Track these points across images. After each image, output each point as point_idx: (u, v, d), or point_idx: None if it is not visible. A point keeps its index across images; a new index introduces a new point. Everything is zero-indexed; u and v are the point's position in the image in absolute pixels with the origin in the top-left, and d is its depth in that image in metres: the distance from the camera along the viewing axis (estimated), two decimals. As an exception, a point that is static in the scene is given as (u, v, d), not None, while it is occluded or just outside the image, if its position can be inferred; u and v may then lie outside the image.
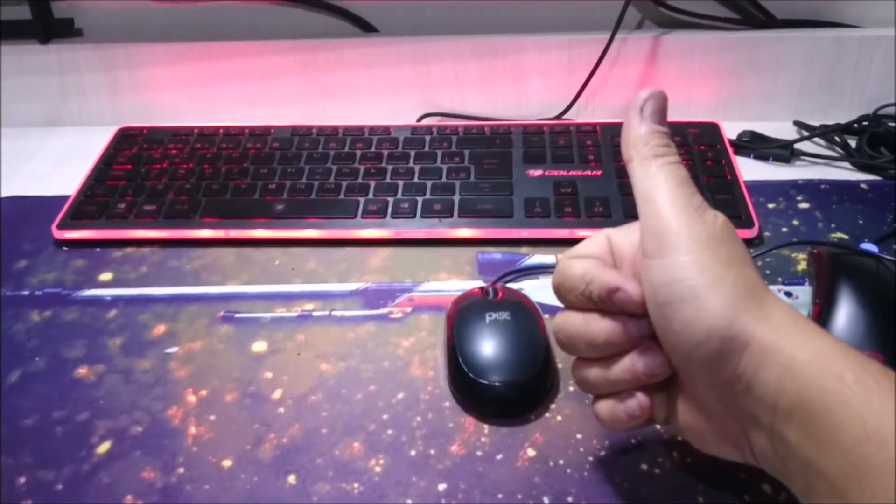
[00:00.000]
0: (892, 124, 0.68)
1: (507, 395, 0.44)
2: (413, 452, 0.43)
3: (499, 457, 0.43)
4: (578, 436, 0.44)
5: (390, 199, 0.59)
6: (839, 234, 0.58)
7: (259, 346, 0.50)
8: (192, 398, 0.47)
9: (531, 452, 0.43)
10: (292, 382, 0.48)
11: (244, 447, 0.44)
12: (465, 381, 0.45)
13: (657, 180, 0.34)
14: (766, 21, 0.70)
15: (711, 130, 0.65)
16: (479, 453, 0.43)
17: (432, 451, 0.43)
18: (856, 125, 0.69)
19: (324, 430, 0.45)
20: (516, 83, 0.72)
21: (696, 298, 0.31)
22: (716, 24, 0.71)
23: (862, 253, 0.50)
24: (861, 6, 0.70)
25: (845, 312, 0.47)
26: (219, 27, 0.73)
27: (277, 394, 0.47)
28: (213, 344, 0.51)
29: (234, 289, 0.55)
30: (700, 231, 0.32)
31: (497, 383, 0.44)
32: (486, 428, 0.45)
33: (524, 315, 0.47)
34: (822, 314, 0.47)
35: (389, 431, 0.44)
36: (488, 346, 0.45)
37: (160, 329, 0.52)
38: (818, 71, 0.70)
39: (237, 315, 0.53)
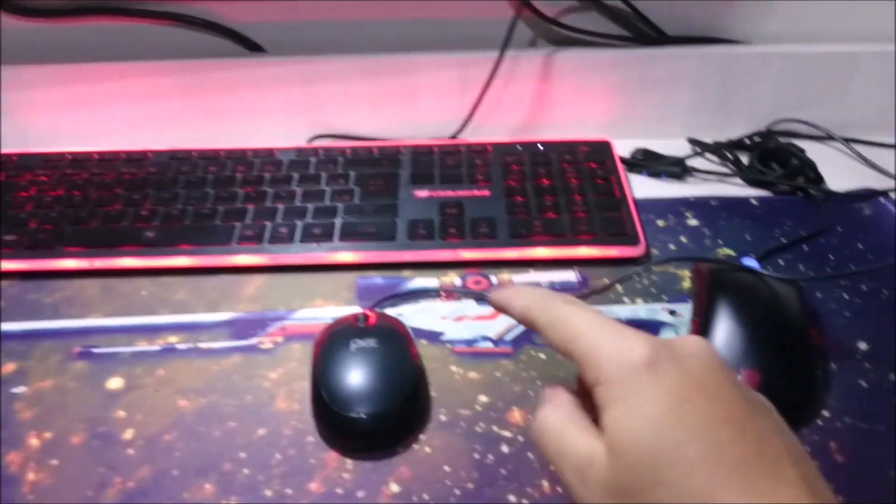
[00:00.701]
0: (782, 140, 0.68)
1: (370, 428, 0.42)
2: (269, 493, 0.41)
3: (360, 493, 0.40)
4: (446, 468, 0.42)
5: (268, 224, 0.57)
6: (726, 251, 0.57)
7: (115, 383, 0.47)
8: (34, 441, 0.44)
9: (395, 488, 0.41)
10: (146, 421, 0.45)
11: (86, 493, 0.41)
12: (327, 414, 0.43)
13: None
14: (658, 38, 0.70)
15: (602, 148, 0.64)
16: (339, 490, 0.41)
17: (289, 491, 0.41)
18: (748, 141, 0.68)
19: (175, 472, 0.42)
20: (409, 103, 0.70)
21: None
22: (607, 41, 0.70)
23: (741, 269, 0.49)
24: (751, 23, 0.70)
25: (723, 330, 0.45)
26: (99, 48, 0.70)
27: (129, 434, 0.44)
28: (65, 382, 0.47)
29: (94, 322, 0.51)
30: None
31: (360, 415, 0.42)
32: (349, 463, 0.42)
33: (393, 342, 0.45)
34: (700, 332, 0.46)
35: (245, 471, 0.42)
36: (351, 376, 0.43)
37: (9, 367, 0.48)
38: (710, 87, 0.70)
39: (94, 350, 0.49)
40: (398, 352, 0.45)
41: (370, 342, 0.44)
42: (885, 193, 0.62)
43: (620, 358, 0.29)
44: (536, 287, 0.36)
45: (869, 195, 0.62)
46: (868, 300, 0.52)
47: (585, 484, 0.29)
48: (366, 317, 0.46)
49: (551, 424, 0.32)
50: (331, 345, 0.45)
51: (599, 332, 0.31)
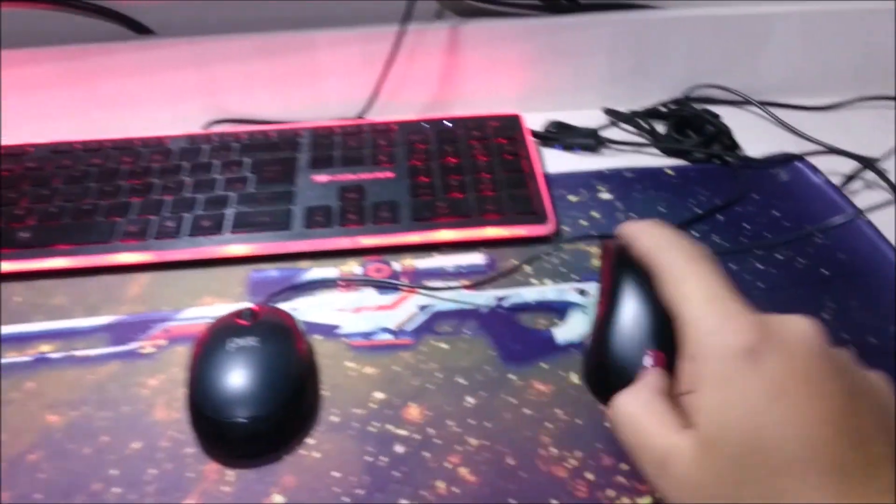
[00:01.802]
0: (699, 106, 0.65)
1: (250, 433, 0.39)
2: (140, 512, 0.37)
3: (240, 508, 0.37)
4: (335, 474, 0.39)
5: (153, 219, 0.53)
6: (639, 224, 0.54)
7: (-22, 400, 0.43)
8: None
9: (278, 499, 0.38)
10: (10, 441, 0.41)
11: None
12: (202, 420, 0.39)
13: None
14: (569, 6, 0.67)
15: (512, 123, 0.62)
16: (217, 506, 0.37)
17: (163, 509, 0.37)
18: (663, 109, 0.66)
19: (37, 496, 0.38)
20: (311, 82, 0.66)
21: None
22: (517, 10, 0.67)
23: None
24: (664, -14, 0.67)
25: (628, 309, 0.43)
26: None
27: (-11, 456, 0.40)
28: (-78, 402, 0.43)
29: (-40, 334, 0.47)
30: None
31: (238, 420, 0.38)
32: (230, 475, 0.39)
33: (276, 339, 0.42)
34: (606, 312, 0.43)
35: (116, 489, 0.38)
36: (229, 378, 0.39)
37: None
38: (624, 55, 0.67)
39: (-42, 365, 0.45)
40: (282, 349, 0.41)
41: (250, 341, 0.41)
42: (801, 157, 0.60)
43: (722, 339, 0.28)
44: (669, 229, 0.35)
45: (785, 160, 0.60)
46: (783, 270, 0.50)
47: (665, 479, 0.29)
48: (251, 313, 0.43)
49: (628, 414, 0.31)
50: (208, 346, 0.41)
51: (707, 305, 0.30)
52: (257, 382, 0.39)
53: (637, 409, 0.31)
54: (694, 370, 0.29)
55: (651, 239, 0.35)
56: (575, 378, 0.43)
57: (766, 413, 0.26)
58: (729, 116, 0.65)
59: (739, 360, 0.27)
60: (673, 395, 0.32)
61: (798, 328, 0.29)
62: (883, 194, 0.57)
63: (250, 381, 0.39)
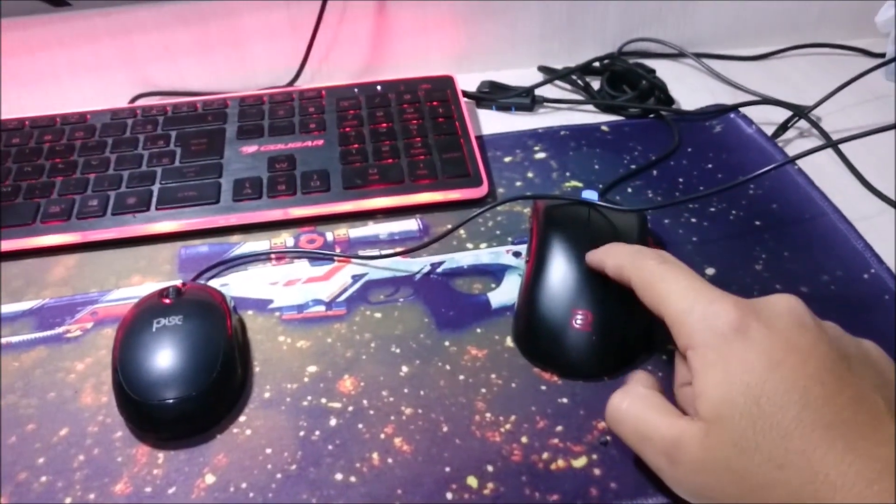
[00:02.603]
0: (632, 61, 0.65)
1: (177, 414, 0.38)
2: (68, 500, 0.36)
3: (171, 490, 0.37)
4: (268, 451, 0.38)
5: (77, 198, 0.51)
6: (574, 183, 0.54)
7: None
8: None
9: (210, 479, 0.37)
10: (-69, 434, 0.40)
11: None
12: (130, 403, 0.38)
13: None
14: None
15: (445, 84, 0.61)
16: (148, 489, 0.37)
17: (92, 496, 0.37)
18: (597, 65, 0.66)
19: (-39, 489, 0.37)
20: (237, 51, 0.65)
21: None
22: (445, -31, 0.66)
23: (577, 202, 0.46)
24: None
25: (556, 269, 0.43)
26: None
27: None
28: None
29: None
30: None
31: (163, 401, 0.38)
32: (160, 457, 0.38)
33: (201, 317, 0.41)
34: (533, 273, 0.43)
35: (43, 479, 0.37)
36: (154, 359, 0.38)
37: None
38: (556, 10, 0.66)
39: None
40: (207, 327, 0.40)
41: (175, 319, 0.40)
42: (735, 108, 0.60)
43: (710, 323, 0.30)
44: (630, 245, 0.38)
45: (719, 112, 0.60)
46: (716, 223, 0.50)
47: (677, 465, 0.30)
48: (176, 291, 0.42)
49: (628, 410, 0.33)
50: (132, 326, 0.40)
51: (689, 296, 0.31)
52: (183, 362, 0.39)
53: (635, 404, 0.33)
54: (692, 358, 0.30)
55: (617, 257, 0.37)
56: (510, 342, 0.43)
57: (763, 382, 0.28)
58: (664, 70, 0.64)
59: (730, 338, 0.29)
60: (662, 391, 0.34)
61: (779, 302, 0.31)
62: (816, 142, 0.58)
63: (176, 361, 0.39)
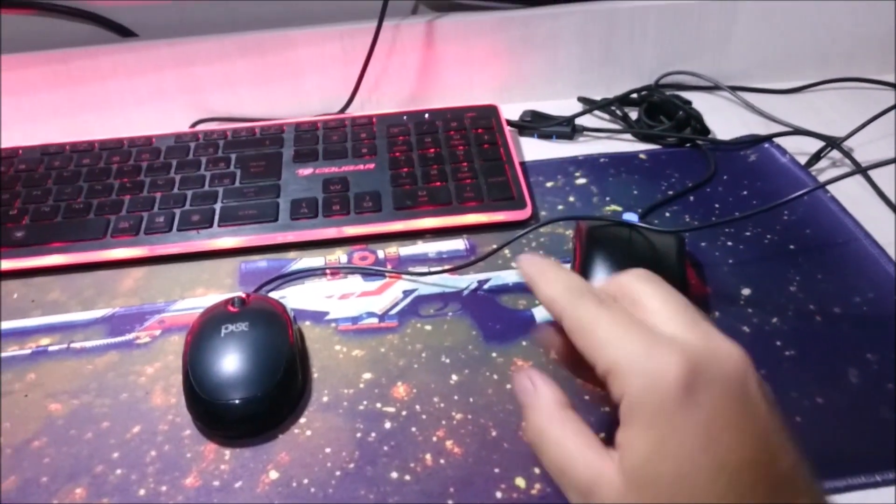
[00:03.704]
0: (670, 92, 0.68)
1: (243, 414, 0.41)
2: (142, 492, 0.39)
3: (237, 484, 0.39)
4: (327, 450, 0.41)
5: (145, 215, 0.55)
6: (614, 207, 0.57)
7: (-19, 392, 0.45)
8: None
9: (273, 475, 0.40)
10: (14, 429, 0.43)
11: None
12: (199, 402, 0.41)
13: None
14: (539, -3, 0.69)
15: (489, 113, 0.64)
16: (215, 483, 0.39)
17: (164, 488, 0.39)
18: (635, 96, 0.68)
19: (44, 479, 0.40)
20: (292, 80, 0.68)
21: None
22: (490, 4, 0.69)
23: (618, 224, 0.48)
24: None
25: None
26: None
27: (-5, 444, 0.42)
28: (-73, 396, 0.45)
29: (-39, 330, 0.49)
30: None
31: (231, 402, 0.40)
32: (227, 454, 0.41)
33: (265, 324, 0.44)
34: None
35: (119, 471, 0.40)
36: (221, 362, 0.41)
37: None
38: (595, 44, 0.69)
39: (-40, 360, 0.47)
40: (272, 333, 0.43)
41: (241, 326, 0.43)
42: (769, 139, 0.63)
43: (652, 378, 0.27)
44: (566, 274, 0.33)
45: (753, 141, 0.63)
46: (751, 246, 0.52)
47: None
48: (242, 300, 0.45)
49: (550, 437, 0.30)
50: (201, 332, 0.43)
51: (628, 344, 0.28)
52: (249, 365, 0.41)
53: (556, 431, 0.30)
54: (624, 408, 0.28)
55: (551, 290, 0.32)
56: (555, 354, 0.45)
57: (696, 459, 0.26)
58: (699, 101, 0.67)
59: (671, 400, 0.27)
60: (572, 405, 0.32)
61: (729, 363, 0.28)
62: (847, 171, 0.60)
63: (241, 364, 0.41)
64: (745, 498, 0.26)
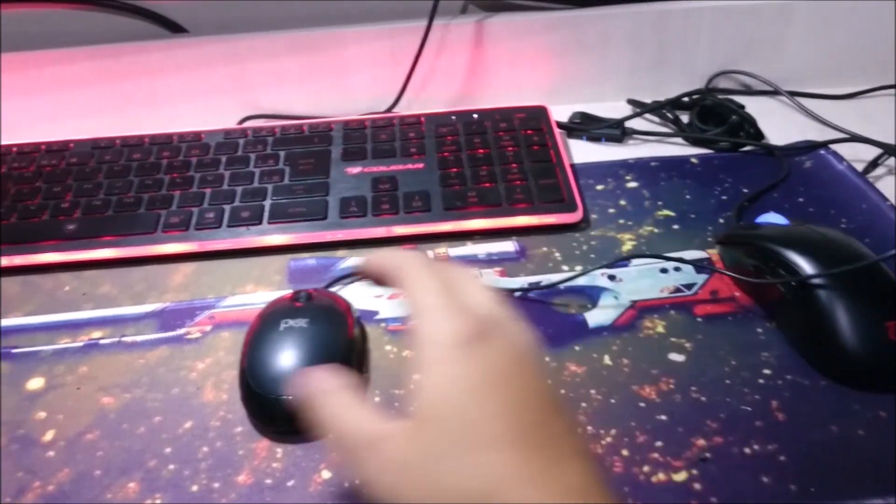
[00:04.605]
0: (720, 97, 0.67)
1: (291, 409, 0.39)
2: (195, 488, 0.39)
3: (290, 483, 0.39)
4: (380, 450, 0.40)
5: (195, 210, 0.55)
6: (666, 212, 0.56)
7: (35, 384, 0.45)
8: (-52, 450, 0.41)
9: (326, 475, 0.39)
10: (68, 421, 0.43)
11: (3, 500, 0.39)
12: (252, 398, 0.41)
13: None
14: (590, -1, 0.68)
15: (538, 114, 0.63)
16: (268, 481, 0.39)
17: (216, 485, 0.39)
18: (686, 99, 0.67)
19: (97, 472, 0.40)
20: (340, 78, 0.68)
21: None
22: (540, 4, 0.68)
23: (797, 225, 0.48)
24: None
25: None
26: (11, 37, 0.67)
27: (49, 435, 0.42)
28: (-18, 386, 0.45)
29: (14, 321, 0.49)
30: None
31: (280, 397, 0.40)
32: (279, 452, 0.41)
33: (325, 320, 0.43)
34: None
35: (171, 466, 0.40)
36: (278, 357, 0.41)
37: (-78, 374, 0.46)
38: (646, 46, 0.68)
39: (14, 350, 0.47)
40: (331, 331, 0.43)
41: (301, 322, 0.42)
42: (825, 145, 0.61)
43: (443, 327, 0.29)
44: (397, 253, 0.35)
45: (810, 147, 0.61)
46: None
47: (372, 461, 0.28)
48: (308, 295, 0.44)
49: (330, 409, 0.31)
50: (260, 327, 0.43)
51: (435, 296, 0.30)
52: (304, 361, 0.41)
53: (341, 401, 0.31)
54: (418, 354, 0.29)
55: (392, 256, 0.34)
56: (608, 360, 0.45)
57: (480, 393, 0.27)
58: (750, 105, 0.66)
59: (455, 347, 0.28)
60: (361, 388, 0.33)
61: (515, 329, 0.30)
62: (905, 180, 0.59)
63: (297, 360, 0.41)
64: (530, 435, 0.27)
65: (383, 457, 0.28)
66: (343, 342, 0.43)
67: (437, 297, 0.30)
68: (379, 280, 0.35)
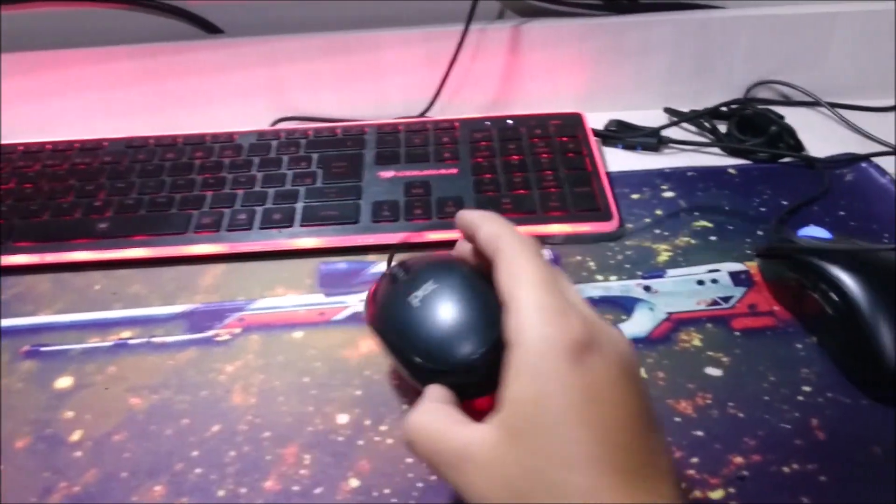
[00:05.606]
0: (760, 107, 0.65)
1: (486, 364, 0.34)
2: (221, 492, 0.39)
3: (317, 490, 0.38)
4: (408, 460, 0.40)
5: (226, 211, 0.55)
6: (703, 223, 0.55)
7: (63, 382, 0.45)
8: (-24, 448, 0.41)
9: (354, 483, 0.39)
10: (95, 421, 0.43)
11: (28, 499, 0.39)
12: (431, 377, 0.35)
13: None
14: (630, 5, 0.67)
15: (574, 121, 0.62)
16: (295, 488, 0.39)
17: (243, 490, 0.39)
18: (724, 109, 0.66)
19: (123, 474, 0.40)
20: (375, 81, 0.68)
21: None
22: (577, 10, 0.68)
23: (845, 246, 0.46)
24: (726, -14, 0.67)
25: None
26: (49, 35, 0.67)
27: (76, 435, 0.42)
28: (11, 383, 0.45)
29: (45, 319, 0.49)
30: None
31: (474, 355, 0.34)
32: (307, 458, 0.40)
33: (446, 273, 0.37)
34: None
35: (198, 470, 0.40)
36: (438, 326, 0.35)
37: (-47, 370, 0.46)
38: (686, 55, 0.67)
39: (44, 349, 0.47)
40: (465, 281, 0.37)
41: (429, 287, 0.37)
42: (867, 157, 0.60)
43: (550, 332, 0.28)
44: (508, 223, 0.34)
45: (852, 160, 0.60)
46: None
47: (464, 471, 0.28)
48: (406, 269, 0.39)
49: (420, 424, 0.31)
50: (390, 318, 0.38)
51: (541, 292, 0.29)
52: (463, 317, 0.35)
53: (428, 416, 0.31)
54: (513, 357, 0.28)
55: (493, 225, 0.33)
56: (643, 373, 0.44)
57: (578, 410, 0.27)
58: (790, 116, 0.64)
59: (563, 357, 0.27)
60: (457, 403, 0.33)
61: (622, 342, 0.29)
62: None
63: (458, 319, 0.35)
64: (616, 458, 0.26)
65: (477, 463, 0.28)
66: (481, 283, 0.37)
67: (549, 295, 0.29)
68: (469, 238, 0.35)
